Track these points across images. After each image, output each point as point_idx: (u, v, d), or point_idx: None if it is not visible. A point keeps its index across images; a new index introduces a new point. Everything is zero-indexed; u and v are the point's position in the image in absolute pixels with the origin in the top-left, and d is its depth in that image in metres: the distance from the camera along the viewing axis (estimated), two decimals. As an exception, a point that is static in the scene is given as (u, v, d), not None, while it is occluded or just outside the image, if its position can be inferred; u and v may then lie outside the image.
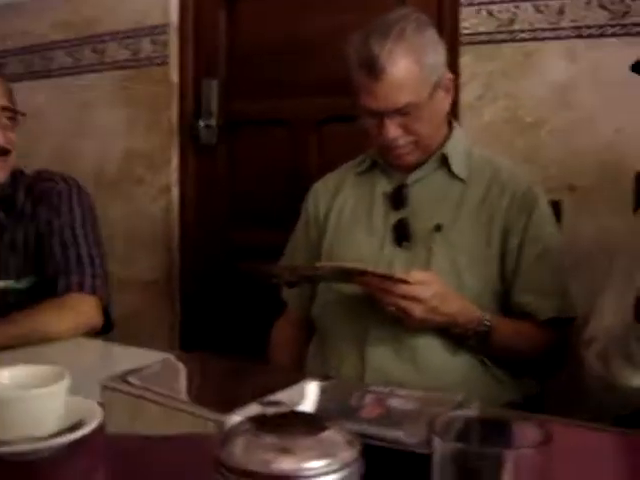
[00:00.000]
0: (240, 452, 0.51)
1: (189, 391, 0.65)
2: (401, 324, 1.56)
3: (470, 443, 0.58)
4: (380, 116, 1.61)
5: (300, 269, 1.71)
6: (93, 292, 1.70)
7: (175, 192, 2.75)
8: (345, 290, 1.66)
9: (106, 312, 1.72)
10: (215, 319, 2.69)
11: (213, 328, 2.67)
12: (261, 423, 0.54)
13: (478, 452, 0.55)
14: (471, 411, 0.68)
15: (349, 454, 0.52)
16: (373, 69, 1.57)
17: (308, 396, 0.66)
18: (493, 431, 0.62)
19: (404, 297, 1.49)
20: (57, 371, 1.03)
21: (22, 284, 1.75)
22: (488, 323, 1.56)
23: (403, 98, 1.58)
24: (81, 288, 1.69)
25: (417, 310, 1.50)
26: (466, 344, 1.60)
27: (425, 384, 1.54)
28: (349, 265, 1.53)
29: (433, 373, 1.59)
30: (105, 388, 0.68)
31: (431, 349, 1.60)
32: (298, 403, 0.64)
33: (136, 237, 2.79)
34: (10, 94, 1.79)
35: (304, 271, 1.68)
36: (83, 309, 1.67)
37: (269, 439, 0.51)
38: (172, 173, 2.75)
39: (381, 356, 1.61)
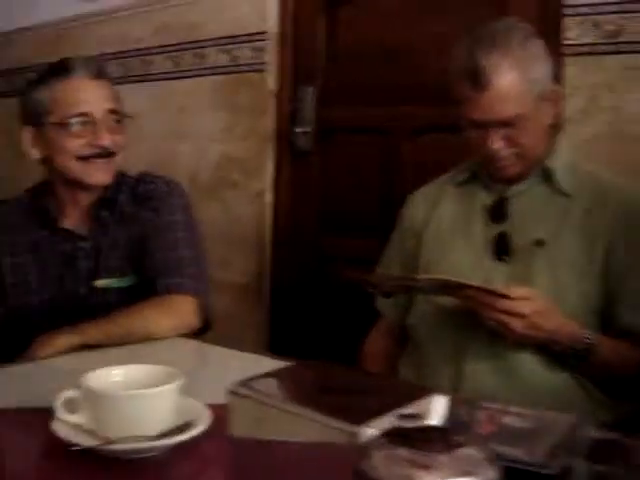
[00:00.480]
0: (381, 465, 0.51)
1: (315, 400, 0.65)
2: (500, 340, 1.55)
3: (606, 464, 0.56)
4: (484, 127, 1.60)
5: (400, 280, 1.71)
6: (192, 293, 1.72)
7: (269, 197, 2.77)
8: (443, 302, 1.65)
9: (204, 313, 1.74)
10: (303, 325, 2.70)
11: (301, 333, 2.68)
12: (398, 436, 0.54)
13: (621, 475, 0.54)
14: (600, 432, 0.66)
15: (491, 473, 0.51)
16: (479, 81, 1.56)
17: (433, 410, 0.66)
18: (622, 452, 0.61)
19: (505, 312, 1.48)
20: (170, 371, 1.05)
21: (123, 283, 1.78)
22: (589, 341, 1.53)
23: (508, 110, 1.57)
24: (180, 289, 1.71)
25: (518, 325, 1.48)
26: (564, 361, 1.57)
27: (521, 400, 1.52)
28: (451, 279, 1.52)
29: (530, 390, 1.56)
30: (232, 393, 0.68)
31: (529, 366, 1.57)
32: (424, 417, 0.64)
33: (229, 240, 2.82)
34: (117, 97, 1.83)
35: (404, 282, 1.68)
36: (182, 310, 1.69)
37: (408, 453, 0.51)
38: (266, 178, 2.77)
39: (478, 371, 1.59)
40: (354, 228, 2.61)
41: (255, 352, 1.71)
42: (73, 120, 1.74)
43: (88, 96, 1.76)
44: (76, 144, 1.75)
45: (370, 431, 0.57)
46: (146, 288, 1.74)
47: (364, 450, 0.53)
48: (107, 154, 1.77)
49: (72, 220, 1.82)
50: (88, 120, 1.75)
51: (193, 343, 1.69)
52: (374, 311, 1.93)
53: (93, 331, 1.56)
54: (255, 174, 2.80)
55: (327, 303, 2.63)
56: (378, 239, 2.18)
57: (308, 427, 0.61)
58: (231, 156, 2.87)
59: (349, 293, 2.49)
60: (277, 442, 0.63)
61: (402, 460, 0.50)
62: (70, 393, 1.01)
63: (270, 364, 1.51)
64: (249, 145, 2.82)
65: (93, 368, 1.42)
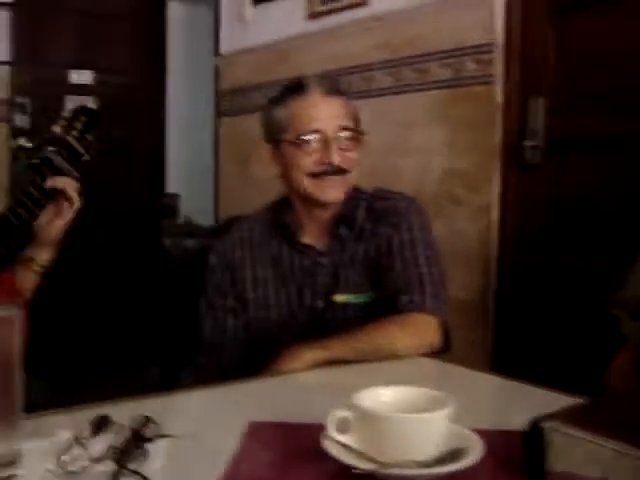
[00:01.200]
0: None
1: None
2: None
3: None
4: None
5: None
6: (434, 312, 1.69)
7: (495, 213, 2.70)
8: None
9: (444, 332, 1.71)
10: (529, 344, 2.60)
11: (526, 353, 2.58)
12: None
13: None
14: None
15: None
16: None
17: None
18: None
19: None
20: (436, 395, 1.02)
21: (361, 299, 1.77)
22: None
23: None
24: (422, 307, 1.68)
25: None
26: None
27: None
28: None
29: None
30: (551, 429, 0.64)
31: None
32: None
33: (453, 256, 2.77)
34: (351, 114, 1.81)
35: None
36: (424, 329, 1.67)
37: None
38: (492, 193, 2.70)
39: None
40: (590, 247, 2.48)
41: (479, 371, 1.65)
42: (307, 137, 1.75)
43: (321, 113, 1.77)
44: (308, 161, 1.76)
45: None
46: (383, 305, 1.73)
47: None
48: (337, 171, 1.76)
49: (311, 235, 1.84)
50: (321, 137, 1.76)
51: (434, 362, 1.64)
52: (608, 333, 1.82)
53: (340, 346, 1.56)
54: (480, 189, 2.73)
55: (555, 322, 2.52)
56: (610, 259, 2.06)
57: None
58: (454, 171, 2.83)
59: (580, 313, 2.38)
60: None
61: None
62: (341, 412, 0.99)
63: (520, 389, 1.45)
64: (473, 159, 2.76)
65: (340, 384, 1.42)
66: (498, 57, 2.70)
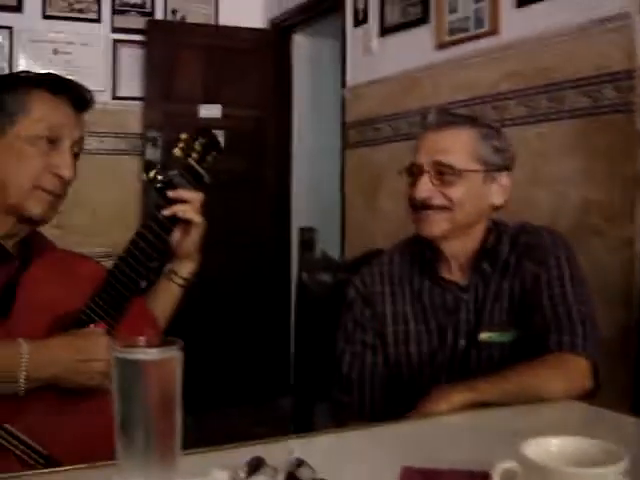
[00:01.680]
0: None
1: None
2: None
3: None
4: None
5: None
6: (585, 354, 1.61)
7: (638, 245, 2.58)
8: None
9: (596, 374, 1.63)
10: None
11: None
12: None
13: None
14: None
15: None
16: None
17: None
18: None
19: None
20: (609, 447, 0.96)
21: (505, 338, 1.72)
22: None
23: None
24: (574, 348, 1.61)
25: None
26: None
27: None
28: None
29: None
30: None
31: None
32: None
33: (592, 290, 2.67)
34: (467, 147, 1.74)
35: None
36: (576, 371, 1.59)
37: None
38: (635, 224, 2.59)
39: None
40: None
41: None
42: (408, 170, 1.77)
43: (423, 147, 1.76)
44: (409, 193, 1.77)
45: None
46: (528, 344, 1.67)
47: None
48: (422, 206, 1.73)
49: (453, 270, 1.80)
50: (418, 171, 1.74)
51: (582, 406, 1.56)
52: None
53: (488, 388, 1.51)
54: (621, 220, 2.62)
55: None
56: None
57: None
58: (593, 202, 2.73)
59: None
60: None
61: None
62: (507, 463, 0.95)
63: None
64: (613, 189, 2.65)
65: (492, 428, 1.38)
66: (639, 84, 2.59)
